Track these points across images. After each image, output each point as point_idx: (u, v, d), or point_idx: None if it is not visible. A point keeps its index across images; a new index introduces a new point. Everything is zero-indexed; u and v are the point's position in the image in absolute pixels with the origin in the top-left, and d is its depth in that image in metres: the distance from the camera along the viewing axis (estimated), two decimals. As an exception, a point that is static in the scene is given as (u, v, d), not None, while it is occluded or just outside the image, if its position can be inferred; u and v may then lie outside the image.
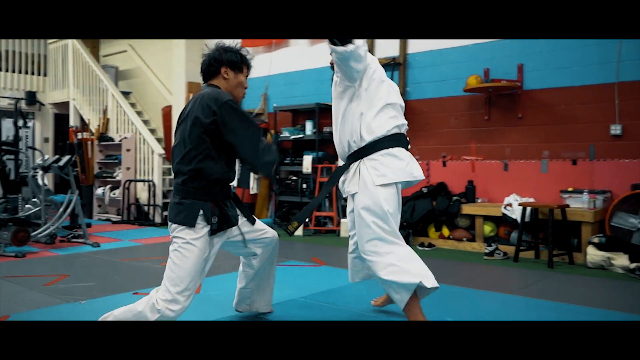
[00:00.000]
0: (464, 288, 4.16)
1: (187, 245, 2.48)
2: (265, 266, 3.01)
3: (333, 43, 2.56)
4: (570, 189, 5.56)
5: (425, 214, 6.27)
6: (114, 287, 3.99)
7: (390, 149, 2.82)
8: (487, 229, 5.98)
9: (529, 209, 5.44)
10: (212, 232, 2.55)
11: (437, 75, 6.69)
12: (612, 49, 5.44)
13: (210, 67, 2.69)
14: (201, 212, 2.50)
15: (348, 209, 3.12)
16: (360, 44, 2.61)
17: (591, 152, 5.60)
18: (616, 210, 5.31)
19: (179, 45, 9.17)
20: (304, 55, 7.95)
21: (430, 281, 2.72)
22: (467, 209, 6.07)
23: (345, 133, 2.86)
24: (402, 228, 6.38)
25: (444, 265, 5.13)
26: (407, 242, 6.18)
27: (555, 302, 3.75)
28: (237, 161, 2.70)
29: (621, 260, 4.89)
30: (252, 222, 2.86)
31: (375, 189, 2.75)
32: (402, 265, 2.70)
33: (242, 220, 2.82)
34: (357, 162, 2.84)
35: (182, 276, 2.45)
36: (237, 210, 2.75)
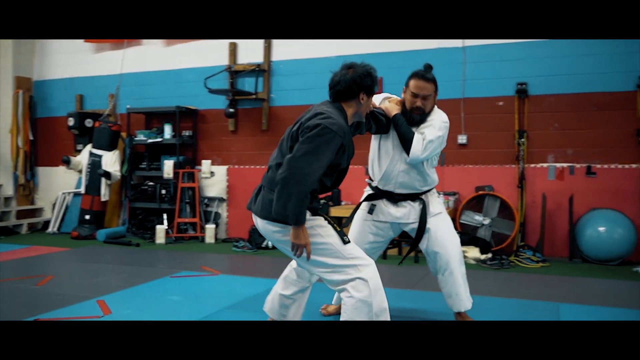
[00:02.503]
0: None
1: (317, 229, 2.54)
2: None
3: None
4: (426, 192, 6.23)
5: (295, 218, 6.48)
6: (3, 315, 3.47)
7: None
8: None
9: (393, 210, 5.98)
10: None
11: (302, 83, 6.95)
12: (458, 69, 6.24)
13: (350, 90, 2.59)
14: None
15: (374, 238, 3.30)
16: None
17: (442, 159, 6.35)
18: (464, 209, 6.10)
19: (4, 35, 8.10)
20: (159, 56, 7.62)
21: None
22: (336, 211, 6.43)
23: (413, 174, 3.19)
24: (272, 232, 6.54)
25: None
26: (277, 246, 6.44)
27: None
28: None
29: (473, 252, 5.65)
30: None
31: None
32: None
33: None
34: (425, 195, 3.28)
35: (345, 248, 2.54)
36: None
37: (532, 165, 6.00)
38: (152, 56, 7.67)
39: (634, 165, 5.65)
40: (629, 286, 4.63)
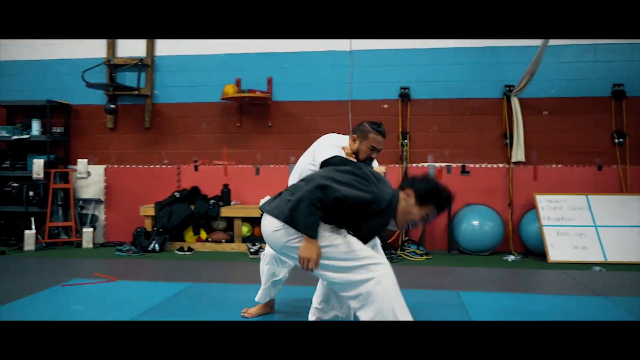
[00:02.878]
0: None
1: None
2: None
3: None
4: (316, 190, 6.38)
5: (184, 218, 6.27)
6: None
7: None
8: (245, 229, 6.37)
9: (286, 209, 6.04)
10: None
11: (188, 80, 6.73)
12: (346, 72, 6.47)
13: None
14: None
15: None
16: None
17: (330, 158, 6.53)
18: (353, 207, 6.34)
19: None
20: (24, 44, 6.89)
21: None
22: (227, 211, 6.33)
23: None
24: (158, 234, 6.29)
25: (221, 267, 5.29)
26: (164, 249, 6.18)
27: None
28: None
29: (364, 248, 5.90)
30: None
31: None
32: None
33: None
34: None
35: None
36: None
37: (415, 164, 6.42)
38: (14, 44, 6.93)
39: (501, 165, 6.29)
40: (503, 273, 5.16)
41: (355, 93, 6.48)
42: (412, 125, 6.40)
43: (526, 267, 5.37)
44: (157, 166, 6.84)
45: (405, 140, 6.36)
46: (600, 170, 6.13)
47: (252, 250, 5.96)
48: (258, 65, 6.60)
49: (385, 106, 6.46)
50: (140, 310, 3.46)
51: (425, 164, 6.40)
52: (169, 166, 6.82)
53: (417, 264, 5.55)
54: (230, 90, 6.35)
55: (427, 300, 3.85)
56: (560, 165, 6.20)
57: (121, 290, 4.09)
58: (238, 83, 6.58)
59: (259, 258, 5.83)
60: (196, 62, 6.70)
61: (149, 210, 6.43)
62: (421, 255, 5.90)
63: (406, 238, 6.27)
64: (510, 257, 5.80)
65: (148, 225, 6.43)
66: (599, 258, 5.58)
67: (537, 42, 5.73)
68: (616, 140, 6.08)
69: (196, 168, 6.77)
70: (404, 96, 6.37)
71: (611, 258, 5.57)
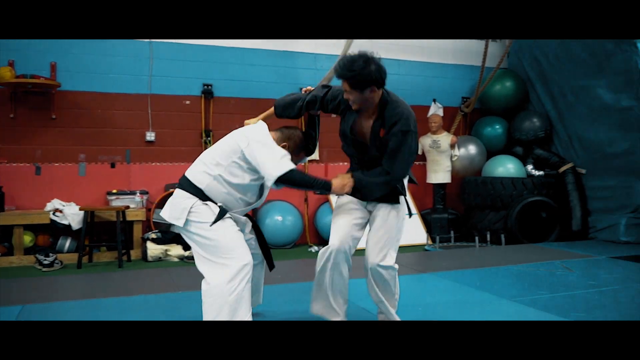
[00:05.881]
0: (107, 299, 3.94)
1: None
2: None
3: None
4: (115, 191, 5.82)
5: (-54, 231, 5.03)
6: None
7: None
8: (27, 239, 5.43)
9: (83, 213, 5.37)
10: None
11: (-64, 58, 5.40)
12: (145, 64, 6.05)
13: None
14: None
15: None
16: None
17: (127, 156, 6.03)
18: (156, 207, 5.99)
19: None
20: None
21: None
22: (3, 218, 5.29)
23: None
24: None
25: (20, 285, 4.43)
26: None
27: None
28: None
29: (176, 250, 5.65)
30: None
31: None
32: None
33: None
34: None
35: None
36: None
37: (218, 162, 6.37)
38: None
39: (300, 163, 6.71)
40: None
41: (156, 87, 6.12)
42: (215, 123, 6.35)
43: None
44: None
45: (209, 138, 6.27)
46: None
47: (45, 262, 5.13)
48: (37, 47, 5.68)
49: (187, 102, 6.26)
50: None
51: (229, 162, 6.42)
52: None
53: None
54: (7, 74, 5.33)
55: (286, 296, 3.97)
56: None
57: None
58: (11, 66, 5.55)
59: (55, 270, 5.09)
60: (-49, 36, 5.40)
61: None
62: (232, 252, 5.92)
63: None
64: (314, 248, 6.27)
65: None
66: (384, 243, 6.45)
67: (334, 51, 6.33)
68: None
69: (-49, 167, 5.48)
70: (207, 93, 6.27)
71: (393, 242, 6.50)
